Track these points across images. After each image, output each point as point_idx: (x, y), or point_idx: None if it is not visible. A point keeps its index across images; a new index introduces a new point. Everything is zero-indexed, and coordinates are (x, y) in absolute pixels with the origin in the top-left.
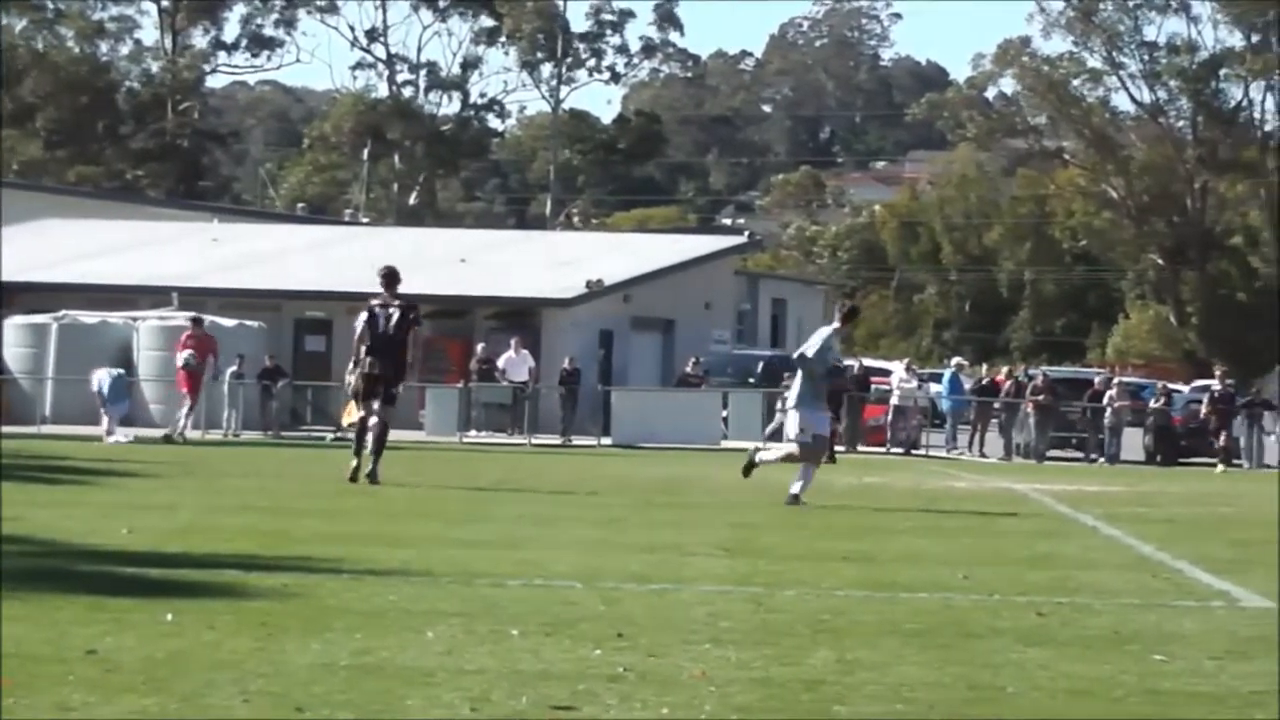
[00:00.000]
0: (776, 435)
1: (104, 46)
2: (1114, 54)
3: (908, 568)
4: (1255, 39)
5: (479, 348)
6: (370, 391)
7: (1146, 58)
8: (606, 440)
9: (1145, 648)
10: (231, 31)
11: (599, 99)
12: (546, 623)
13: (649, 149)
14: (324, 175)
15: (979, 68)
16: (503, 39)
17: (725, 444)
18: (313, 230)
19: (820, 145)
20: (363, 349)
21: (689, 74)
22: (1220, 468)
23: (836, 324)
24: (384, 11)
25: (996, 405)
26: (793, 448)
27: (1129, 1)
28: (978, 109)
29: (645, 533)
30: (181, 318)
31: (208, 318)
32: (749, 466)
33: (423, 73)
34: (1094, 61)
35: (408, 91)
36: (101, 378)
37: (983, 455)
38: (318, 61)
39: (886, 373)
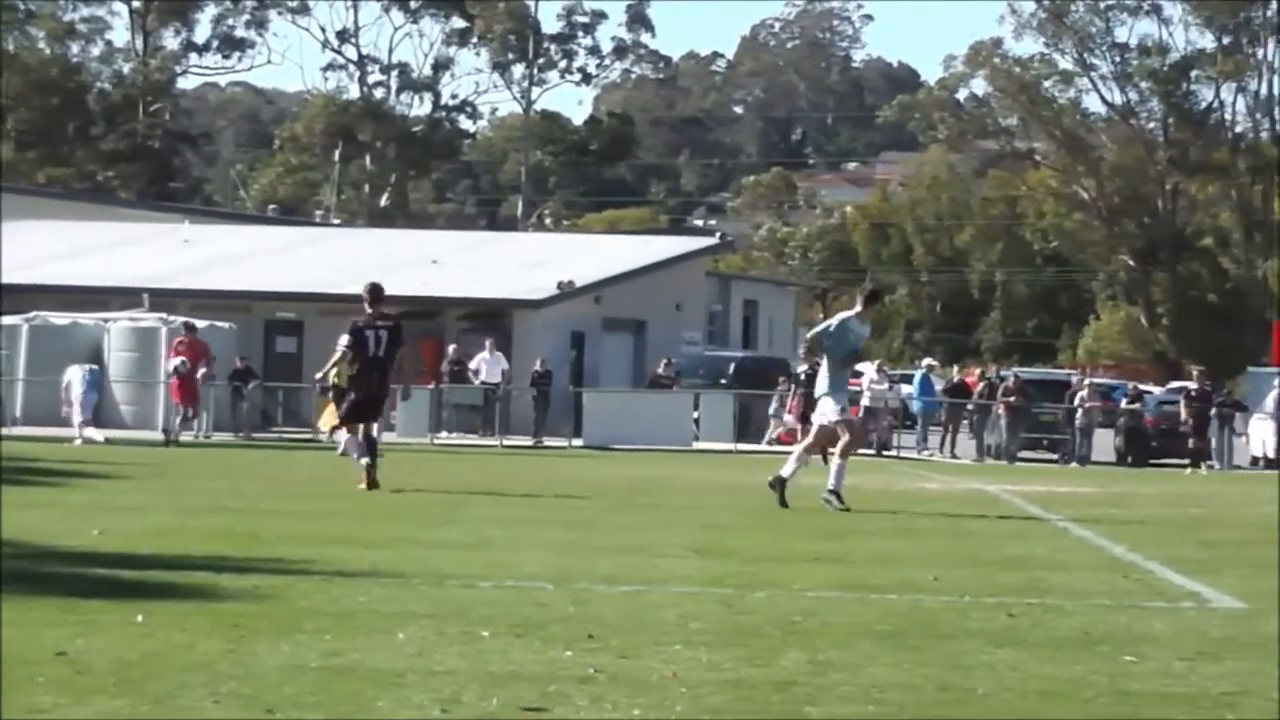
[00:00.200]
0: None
1: (75, 47)
2: (1085, 55)
3: (879, 569)
4: (1226, 41)
5: (450, 349)
6: (359, 416)
7: (1118, 59)
8: (578, 442)
9: (1116, 649)
10: (202, 33)
11: (570, 100)
12: (517, 624)
13: (620, 150)
14: (295, 176)
15: (950, 69)
16: (474, 40)
17: (696, 445)
18: (284, 231)
19: (792, 146)
20: (350, 367)
21: (660, 75)
22: (1190, 470)
23: (858, 308)
24: (355, 13)
25: (969, 407)
26: (809, 440)
27: (1100, 3)
28: (949, 110)
29: (616, 534)
30: (152, 319)
31: (198, 322)
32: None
33: (394, 74)
34: (1065, 63)
35: (379, 93)
36: (73, 374)
37: (954, 456)
38: (289, 63)
39: (858, 374)
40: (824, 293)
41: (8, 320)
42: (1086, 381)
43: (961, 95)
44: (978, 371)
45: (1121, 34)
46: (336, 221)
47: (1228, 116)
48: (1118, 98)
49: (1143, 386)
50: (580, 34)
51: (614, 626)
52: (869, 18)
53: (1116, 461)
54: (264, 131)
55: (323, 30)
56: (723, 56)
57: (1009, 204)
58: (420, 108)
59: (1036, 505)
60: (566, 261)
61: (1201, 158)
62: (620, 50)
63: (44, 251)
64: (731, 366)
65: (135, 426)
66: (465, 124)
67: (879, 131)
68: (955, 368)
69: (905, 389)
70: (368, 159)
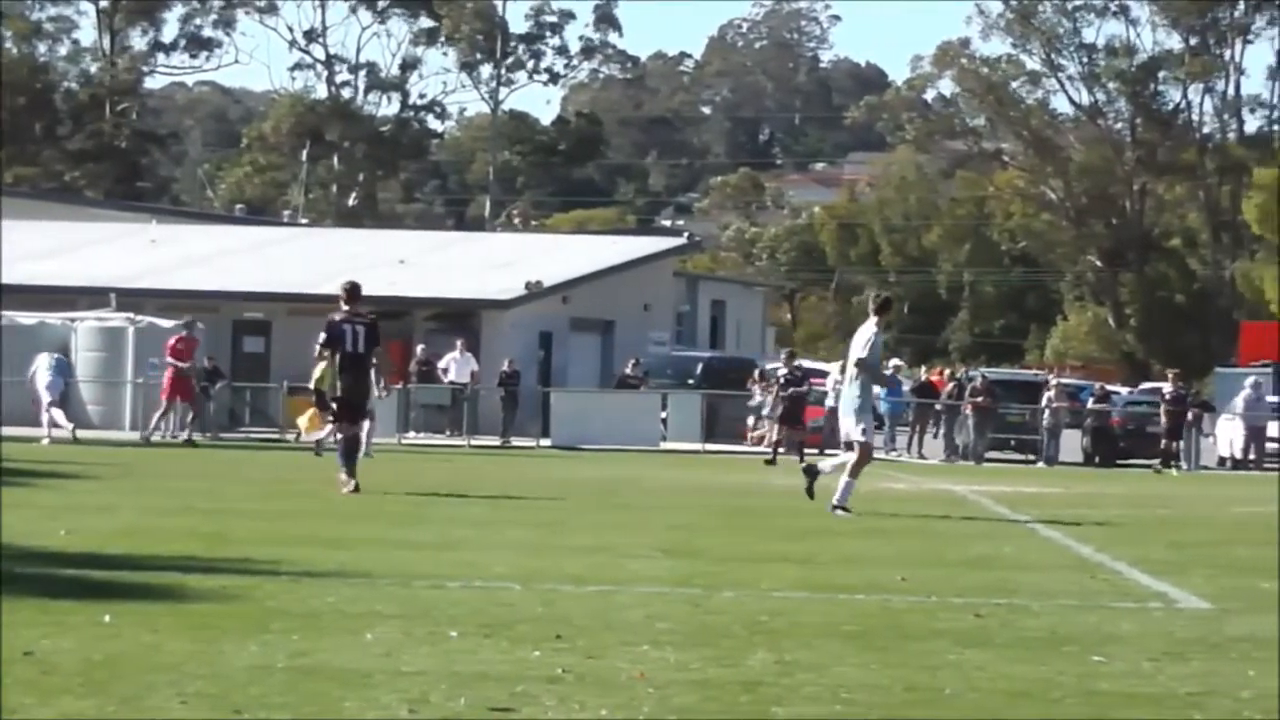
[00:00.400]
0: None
1: (42, 47)
2: (1053, 56)
3: (846, 569)
4: (1193, 42)
5: (419, 349)
6: (343, 415)
7: (1085, 60)
8: (546, 442)
9: (1083, 649)
10: (170, 32)
11: (538, 100)
12: (485, 624)
13: (588, 150)
14: (263, 176)
15: (918, 69)
16: (442, 40)
17: (664, 445)
18: (251, 231)
19: (759, 147)
20: (333, 364)
21: (628, 75)
22: (1159, 469)
23: (874, 319)
24: (323, 12)
25: (937, 407)
26: (856, 456)
27: (1068, 3)
28: (917, 111)
29: (584, 535)
30: (120, 318)
31: (164, 322)
32: (811, 480)
33: (362, 74)
34: (1033, 63)
35: (347, 92)
36: (40, 361)
37: (922, 457)
38: (256, 62)
39: (824, 374)
40: (792, 293)
41: None
42: (1054, 381)
43: (929, 96)
44: (946, 372)
45: (1089, 34)
46: (304, 221)
47: (1195, 117)
48: (1085, 98)
49: (1110, 387)
50: (548, 34)
51: (582, 627)
52: (836, 18)
53: (1084, 462)
54: (231, 131)
55: (290, 30)
56: (690, 57)
57: (977, 204)
58: (388, 107)
59: (1004, 505)
60: (534, 261)
61: (1169, 158)
62: (588, 50)
63: (11, 251)
64: (699, 367)
65: (102, 426)
66: (433, 124)
67: (847, 132)
68: (923, 368)
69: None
70: (335, 159)
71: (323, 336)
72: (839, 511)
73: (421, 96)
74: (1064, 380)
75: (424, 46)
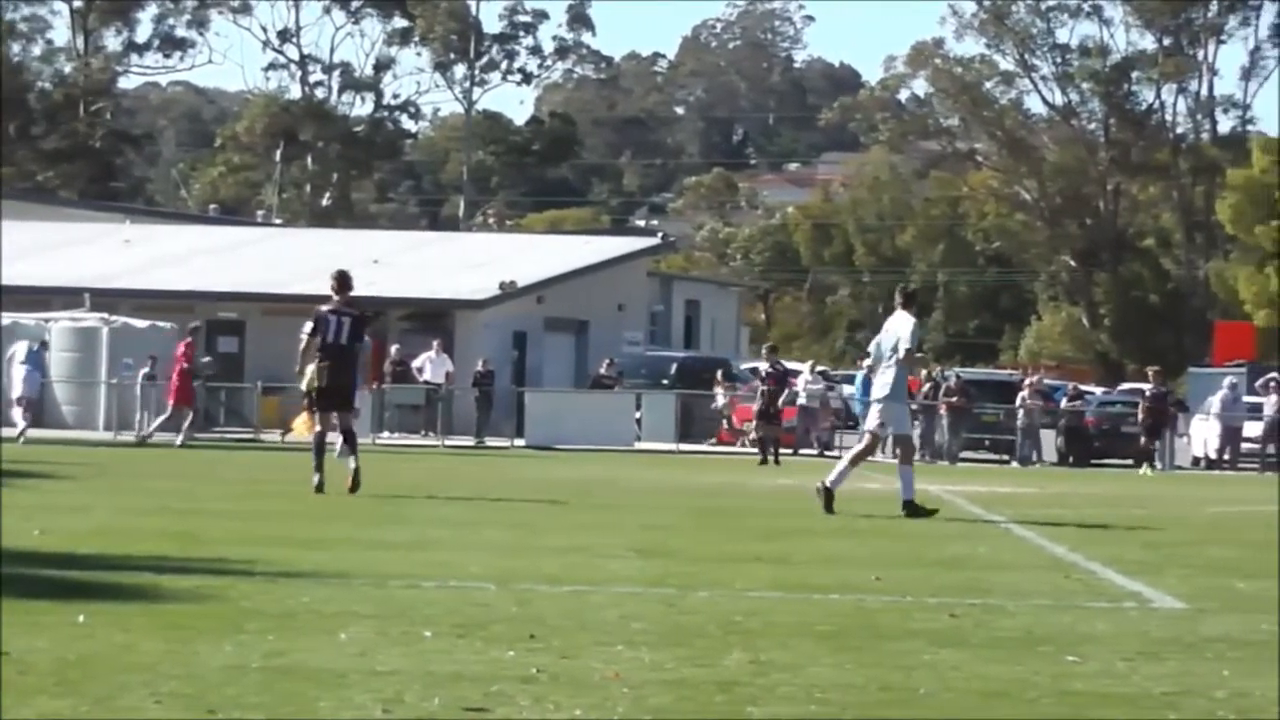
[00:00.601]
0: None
1: (16, 47)
2: (1026, 56)
3: (821, 569)
4: (1167, 42)
5: (393, 349)
6: (326, 405)
7: (1059, 60)
8: (520, 442)
9: (1058, 649)
10: (144, 32)
11: (512, 100)
12: (459, 624)
13: (562, 151)
14: (237, 176)
15: (892, 70)
16: (415, 40)
17: (638, 445)
18: (225, 231)
19: (733, 147)
20: (315, 357)
21: (602, 75)
22: (1143, 469)
23: (903, 310)
24: (296, 12)
25: (912, 407)
26: (863, 445)
27: (1041, 4)
28: (891, 111)
29: (558, 535)
30: (94, 319)
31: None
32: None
33: (336, 74)
34: (1006, 64)
35: (320, 92)
36: (19, 349)
37: (895, 457)
38: (230, 62)
39: (795, 374)
40: (766, 293)
41: None
42: (1027, 381)
43: (903, 96)
44: (921, 372)
45: (1062, 35)
46: (278, 221)
47: (1168, 117)
48: (1059, 99)
49: (1083, 387)
50: (521, 34)
51: (556, 627)
52: (810, 18)
53: (1058, 461)
54: (205, 131)
55: (264, 30)
56: (664, 57)
57: (951, 204)
58: (362, 108)
59: (978, 505)
60: (508, 262)
61: (1142, 158)
62: (562, 50)
63: None
64: (673, 367)
65: (76, 427)
66: (407, 124)
67: (820, 132)
68: None
69: (847, 389)
70: (309, 159)
71: (309, 325)
72: (824, 490)
73: (395, 96)
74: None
75: (398, 46)
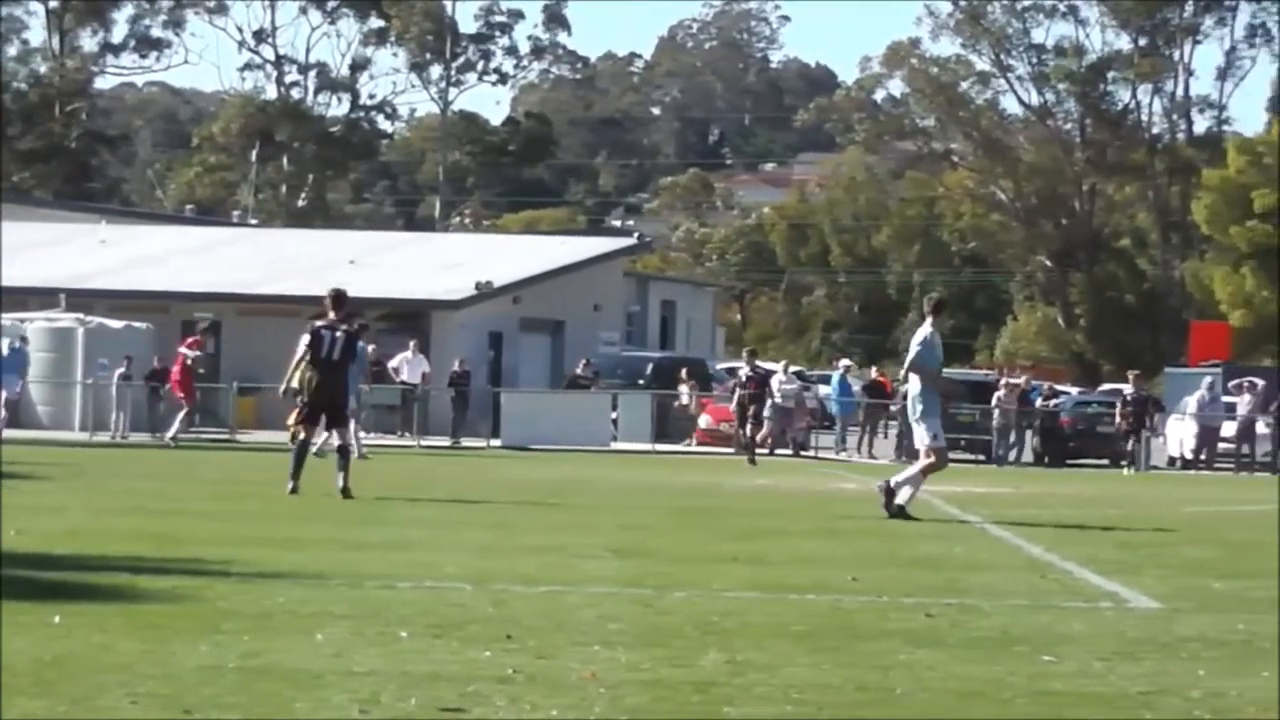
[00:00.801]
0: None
1: None
2: (1002, 56)
3: (797, 569)
4: (1143, 42)
5: (369, 349)
6: (313, 417)
7: (1035, 60)
8: (496, 442)
9: (1034, 649)
10: (120, 32)
11: (488, 101)
12: (436, 625)
13: (538, 151)
14: (213, 176)
15: (867, 70)
16: (391, 40)
17: (615, 445)
18: (201, 232)
19: (709, 147)
20: (305, 370)
21: (578, 76)
22: (1126, 470)
23: (930, 320)
24: (272, 12)
25: (893, 408)
26: (926, 461)
27: (1017, 4)
28: (867, 111)
29: (535, 535)
30: (70, 319)
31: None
32: (898, 509)
33: (311, 74)
34: (982, 64)
35: (296, 93)
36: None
37: (872, 457)
38: (206, 63)
39: (770, 373)
40: (742, 294)
41: None
42: (1004, 381)
43: (879, 96)
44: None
45: (1038, 35)
46: (254, 222)
47: (1144, 117)
48: (1035, 99)
49: (1059, 387)
50: (498, 34)
51: (532, 627)
52: (786, 19)
53: (1034, 461)
54: (181, 131)
55: (240, 30)
56: (640, 57)
57: (926, 205)
58: (338, 108)
59: (954, 505)
60: (484, 262)
61: (1118, 159)
62: (538, 51)
63: None
64: (649, 367)
65: (52, 427)
66: (383, 124)
67: (796, 132)
68: (873, 368)
69: (823, 389)
70: (285, 159)
71: (305, 339)
72: (893, 503)
73: (371, 97)
74: (1017, 381)
75: (374, 47)
